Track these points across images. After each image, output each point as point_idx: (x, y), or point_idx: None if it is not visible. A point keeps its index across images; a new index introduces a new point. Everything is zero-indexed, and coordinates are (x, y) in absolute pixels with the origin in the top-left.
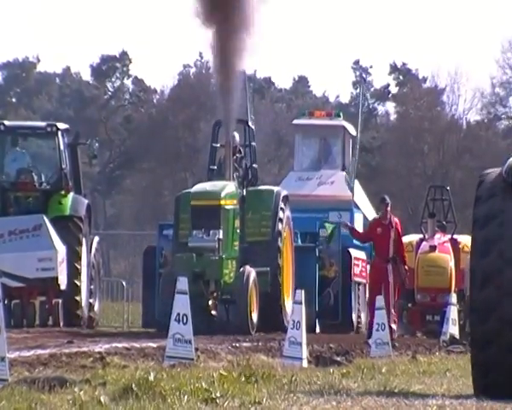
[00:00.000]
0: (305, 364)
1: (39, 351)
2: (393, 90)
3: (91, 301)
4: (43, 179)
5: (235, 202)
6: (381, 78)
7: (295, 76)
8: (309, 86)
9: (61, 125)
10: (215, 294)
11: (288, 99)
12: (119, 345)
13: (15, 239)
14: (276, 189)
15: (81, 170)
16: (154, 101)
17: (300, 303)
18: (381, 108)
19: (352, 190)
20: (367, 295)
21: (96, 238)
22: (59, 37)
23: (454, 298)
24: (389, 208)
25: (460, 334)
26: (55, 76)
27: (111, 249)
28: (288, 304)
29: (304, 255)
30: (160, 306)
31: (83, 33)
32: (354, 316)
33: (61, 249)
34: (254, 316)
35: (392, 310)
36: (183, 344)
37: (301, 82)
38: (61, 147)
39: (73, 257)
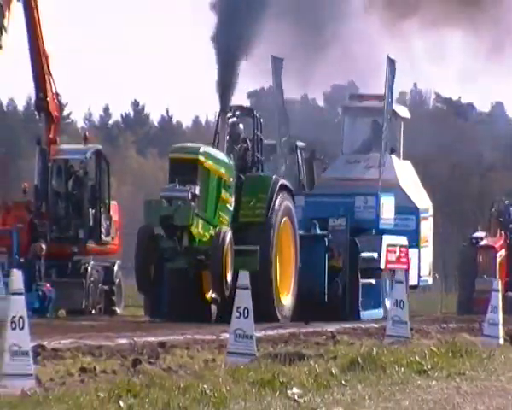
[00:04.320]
0: (501, 341)
1: (281, 330)
2: None
3: None
4: None
5: (222, 170)
6: None
7: (493, 102)
8: (505, 111)
9: (300, 144)
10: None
11: (487, 122)
12: (348, 326)
13: None
14: (274, 176)
15: (316, 181)
16: None
17: (498, 291)
18: None
19: (379, 173)
20: (410, 280)
21: None
22: (296, 67)
23: None
24: None
25: None
26: (295, 102)
27: None
28: (286, 299)
29: (313, 245)
30: (137, 269)
31: (317, 65)
32: (388, 303)
33: None
34: (229, 277)
35: None
36: (400, 325)
37: (498, 107)
38: (300, 161)
39: None
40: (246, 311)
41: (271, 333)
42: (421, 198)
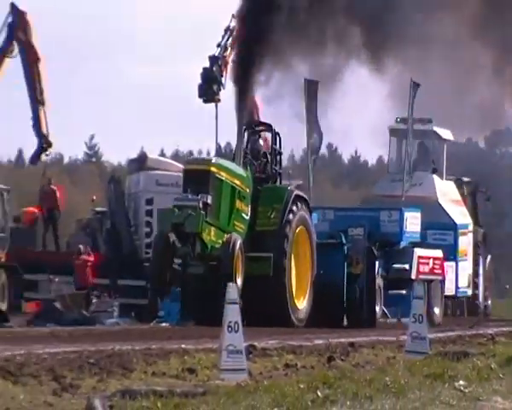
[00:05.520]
0: None
1: (449, 333)
2: None
3: (487, 301)
4: None
5: (237, 181)
6: None
7: None
8: None
9: (465, 179)
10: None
11: None
12: (505, 329)
13: None
14: (290, 187)
15: (479, 209)
16: None
17: None
18: None
19: (403, 190)
20: (446, 290)
21: (489, 257)
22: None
23: None
24: None
25: None
26: (459, 145)
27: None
28: (302, 304)
29: (332, 252)
30: (152, 274)
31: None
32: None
33: None
34: (239, 281)
35: None
36: None
37: None
38: (464, 193)
39: (474, 273)
40: (420, 317)
41: (441, 335)
42: (460, 215)
